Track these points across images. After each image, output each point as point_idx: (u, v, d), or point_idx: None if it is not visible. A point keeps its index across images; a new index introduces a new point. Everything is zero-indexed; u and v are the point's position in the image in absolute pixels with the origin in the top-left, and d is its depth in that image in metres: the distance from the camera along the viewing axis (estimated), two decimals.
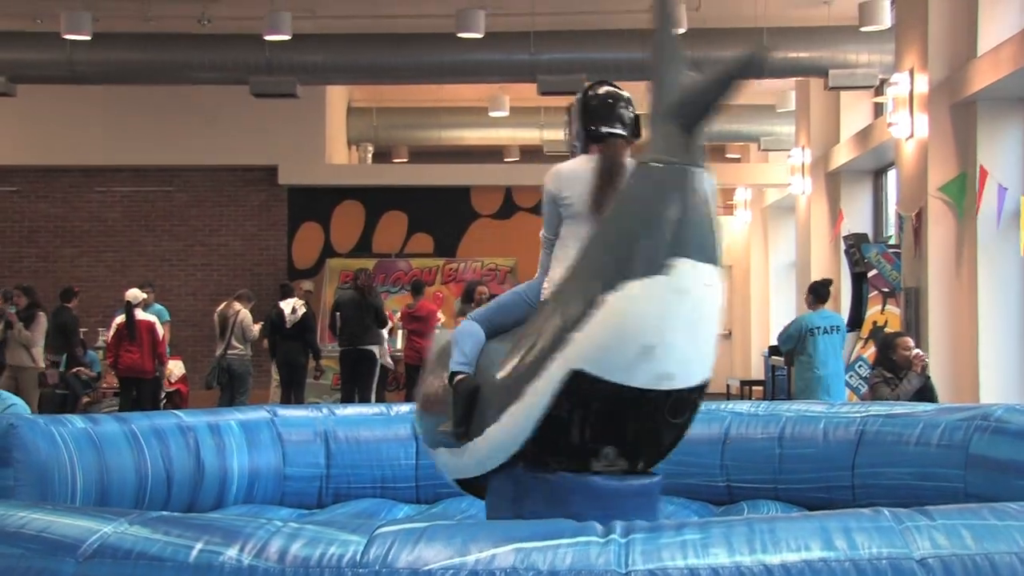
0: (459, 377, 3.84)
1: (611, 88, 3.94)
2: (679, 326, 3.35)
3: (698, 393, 3.55)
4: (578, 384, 3.42)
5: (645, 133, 3.66)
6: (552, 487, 3.60)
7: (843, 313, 12.45)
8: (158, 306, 12.53)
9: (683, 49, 3.59)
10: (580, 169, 3.78)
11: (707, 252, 3.37)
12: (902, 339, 7.50)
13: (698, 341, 3.42)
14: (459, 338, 3.95)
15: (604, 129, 3.83)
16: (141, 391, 11.52)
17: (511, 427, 3.62)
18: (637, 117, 3.89)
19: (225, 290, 12.99)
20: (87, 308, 13.88)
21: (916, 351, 7.41)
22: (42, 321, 11.27)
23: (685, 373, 3.42)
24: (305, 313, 11.85)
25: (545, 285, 3.84)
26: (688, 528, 2.58)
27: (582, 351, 3.39)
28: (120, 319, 11.47)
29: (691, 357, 3.42)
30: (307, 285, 13.45)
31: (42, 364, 11.25)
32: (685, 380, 3.43)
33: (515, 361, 3.66)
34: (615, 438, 3.56)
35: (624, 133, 3.84)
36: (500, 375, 3.72)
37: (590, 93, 3.91)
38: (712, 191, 3.42)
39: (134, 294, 11.55)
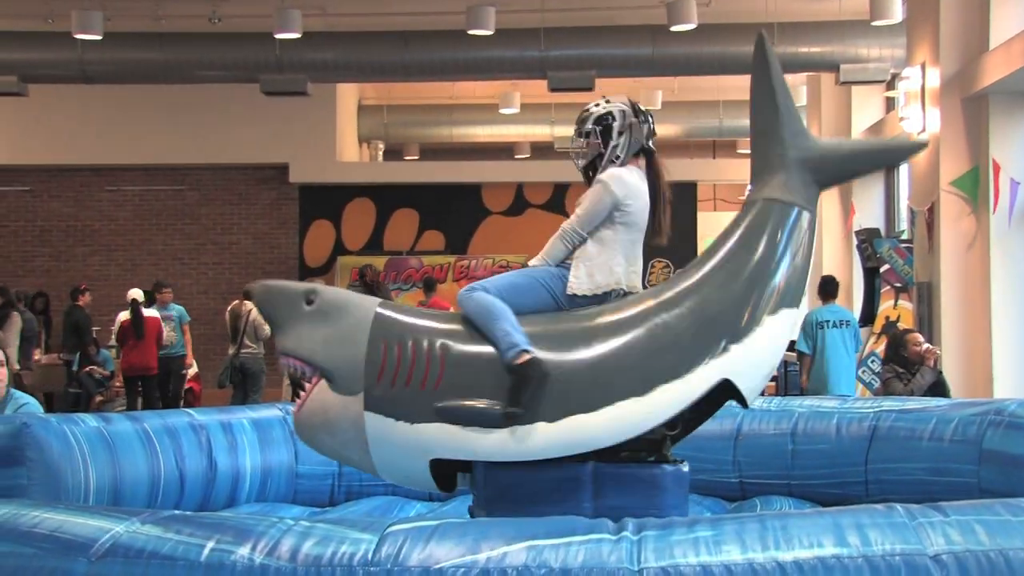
0: (527, 357, 3.66)
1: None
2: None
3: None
4: (718, 391, 3.75)
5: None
6: (645, 479, 3.75)
7: (856, 308, 12.43)
8: (178, 307, 12.49)
9: (789, 94, 4.04)
10: (638, 181, 4.04)
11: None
12: (911, 335, 7.53)
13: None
14: (495, 312, 3.77)
15: (651, 144, 4.13)
16: (147, 387, 11.66)
17: (619, 421, 3.67)
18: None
19: (236, 289, 12.98)
20: (99, 307, 13.90)
21: (927, 345, 7.40)
22: (16, 321, 11.18)
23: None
24: None
25: (573, 280, 3.91)
26: (700, 525, 2.57)
27: (737, 363, 3.71)
28: (124, 317, 11.55)
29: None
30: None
31: (16, 365, 11.11)
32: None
33: (623, 356, 3.73)
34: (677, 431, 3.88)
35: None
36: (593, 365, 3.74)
37: (639, 107, 4.13)
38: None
39: (139, 293, 11.78)
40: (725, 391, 3.77)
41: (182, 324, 12.13)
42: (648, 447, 3.80)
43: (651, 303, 3.85)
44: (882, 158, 3.99)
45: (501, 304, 3.81)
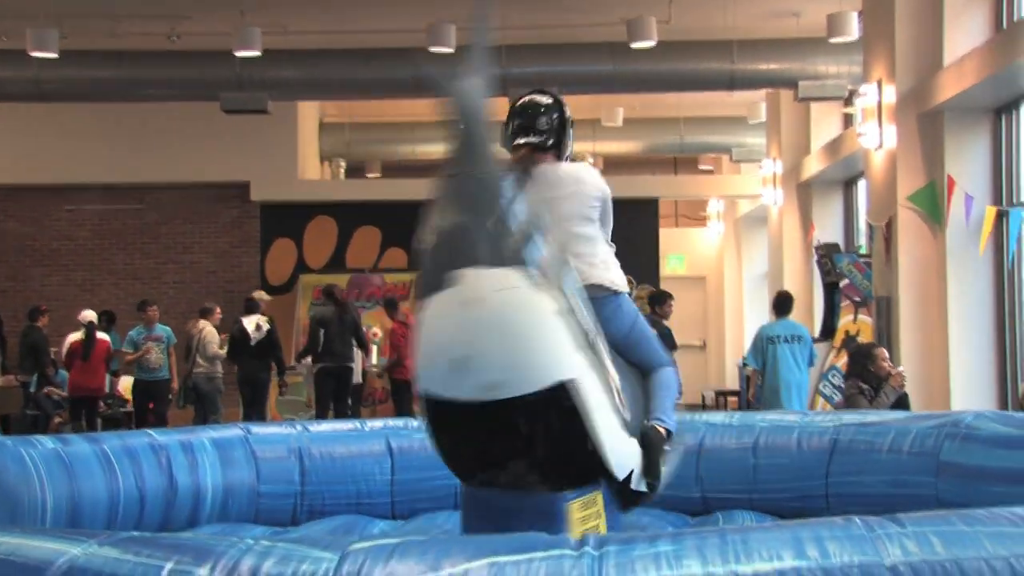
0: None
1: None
2: (485, 335, 3.22)
3: (550, 397, 3.31)
4: (427, 405, 3.42)
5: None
6: (473, 503, 3.66)
7: (816, 322, 12.54)
8: (166, 328, 12.21)
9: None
10: None
11: (501, 256, 3.24)
12: (879, 350, 7.39)
13: (519, 347, 3.25)
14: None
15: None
16: (91, 409, 11.70)
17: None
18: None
19: (198, 308, 12.89)
20: (57, 327, 13.76)
21: (899, 369, 7.36)
22: None
23: (518, 380, 3.26)
24: (270, 330, 11.64)
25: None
26: (661, 540, 2.58)
27: (420, 371, 3.38)
28: (74, 338, 11.50)
29: (518, 363, 3.25)
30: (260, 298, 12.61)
31: None
32: (520, 387, 3.27)
33: None
34: (496, 453, 3.48)
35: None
36: None
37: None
38: (509, 194, 3.33)
39: (93, 315, 11.87)
40: None
41: (169, 347, 11.87)
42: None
43: None
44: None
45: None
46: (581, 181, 3.92)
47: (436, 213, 3.35)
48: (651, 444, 3.77)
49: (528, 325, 3.26)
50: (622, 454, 3.64)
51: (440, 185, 3.38)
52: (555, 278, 3.38)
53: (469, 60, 3.48)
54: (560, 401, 3.33)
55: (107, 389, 12.54)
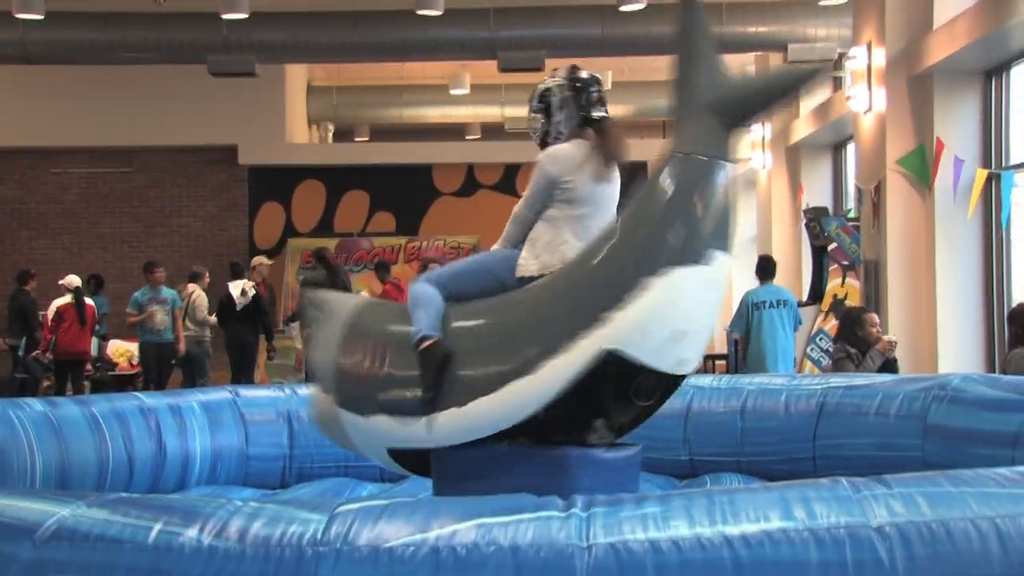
0: (428, 342, 3.71)
1: (591, 73, 4.05)
2: (707, 315, 3.61)
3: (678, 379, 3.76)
4: (607, 363, 3.52)
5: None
6: (551, 460, 3.66)
7: (804, 286, 12.56)
8: (170, 290, 11.93)
9: (713, 41, 3.75)
10: (579, 155, 3.88)
11: (730, 246, 3.64)
12: (869, 315, 7.31)
13: (711, 330, 3.72)
14: (419, 300, 3.83)
15: (596, 114, 3.96)
16: (76, 372, 11.68)
17: (513, 400, 3.61)
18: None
19: (187, 272, 12.85)
20: (45, 291, 13.68)
21: (889, 338, 7.31)
22: None
23: (695, 360, 3.68)
24: (256, 295, 11.57)
25: (521, 262, 3.87)
26: (648, 501, 2.59)
27: (620, 331, 3.50)
28: (61, 302, 11.45)
29: (704, 345, 3.68)
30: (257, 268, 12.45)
31: None
32: (693, 366, 3.69)
33: (510, 334, 3.68)
34: (609, 412, 3.72)
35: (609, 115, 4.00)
36: (489, 345, 3.70)
37: (578, 76, 3.99)
38: (736, 185, 3.69)
39: (76, 280, 11.74)
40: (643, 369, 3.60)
41: (175, 309, 11.67)
42: (575, 430, 3.71)
43: (548, 280, 3.79)
44: (780, 89, 3.70)
45: (430, 292, 3.85)
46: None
47: (669, 189, 3.62)
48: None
49: (716, 315, 3.74)
50: None
51: (673, 162, 3.66)
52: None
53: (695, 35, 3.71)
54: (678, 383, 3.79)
55: (94, 352, 12.52)
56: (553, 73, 4.07)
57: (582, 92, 3.96)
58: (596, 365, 3.50)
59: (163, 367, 11.66)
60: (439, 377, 3.68)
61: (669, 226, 3.54)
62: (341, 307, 4.17)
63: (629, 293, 3.49)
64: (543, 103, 3.99)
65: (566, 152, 3.90)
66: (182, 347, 11.65)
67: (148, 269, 11.94)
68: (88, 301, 11.73)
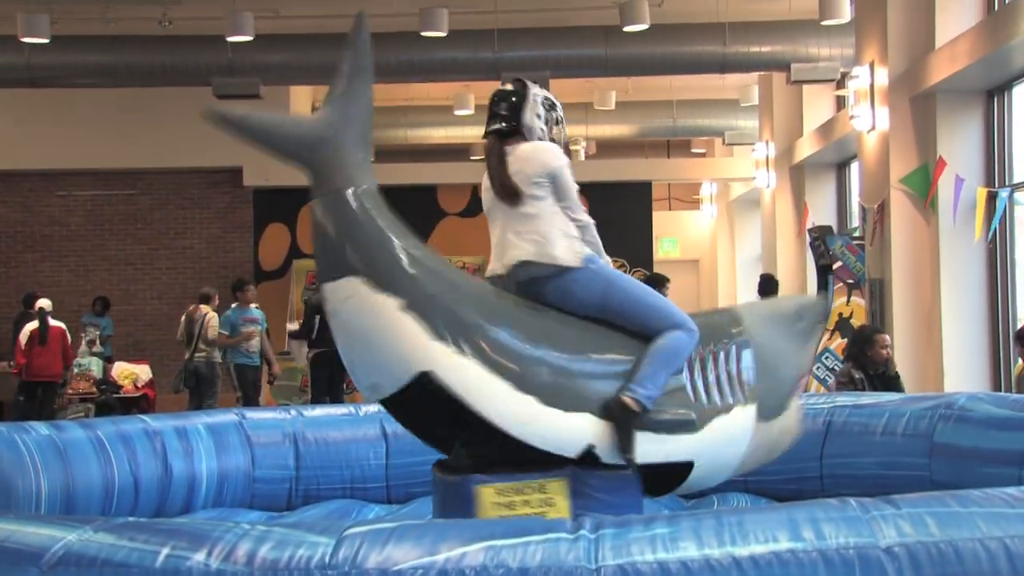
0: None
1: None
2: (349, 345, 3.62)
3: (417, 389, 3.52)
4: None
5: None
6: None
7: None
8: (259, 311, 11.64)
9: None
10: None
11: (339, 267, 3.57)
12: (881, 336, 7.10)
13: (372, 351, 3.54)
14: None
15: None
16: (46, 393, 11.72)
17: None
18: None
19: (191, 293, 12.86)
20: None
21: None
22: None
23: (385, 380, 3.56)
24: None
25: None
26: (657, 522, 2.59)
27: None
28: (33, 326, 11.54)
29: (377, 365, 3.56)
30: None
31: None
32: (389, 386, 3.56)
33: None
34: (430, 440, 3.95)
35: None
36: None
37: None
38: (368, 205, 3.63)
39: (46, 302, 11.91)
40: None
41: (262, 331, 11.32)
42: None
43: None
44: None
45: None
46: (526, 160, 3.86)
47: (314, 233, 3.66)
48: (614, 418, 3.58)
49: (372, 330, 3.50)
50: (547, 433, 3.54)
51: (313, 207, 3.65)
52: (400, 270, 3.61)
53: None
54: (427, 389, 3.49)
55: (98, 375, 12.56)
56: (512, 81, 4.03)
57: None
58: None
59: (257, 390, 11.40)
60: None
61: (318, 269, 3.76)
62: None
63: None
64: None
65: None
66: (276, 368, 11.41)
67: (239, 287, 11.45)
68: (54, 323, 11.79)
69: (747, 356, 3.87)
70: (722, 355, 3.84)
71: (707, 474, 3.83)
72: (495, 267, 3.88)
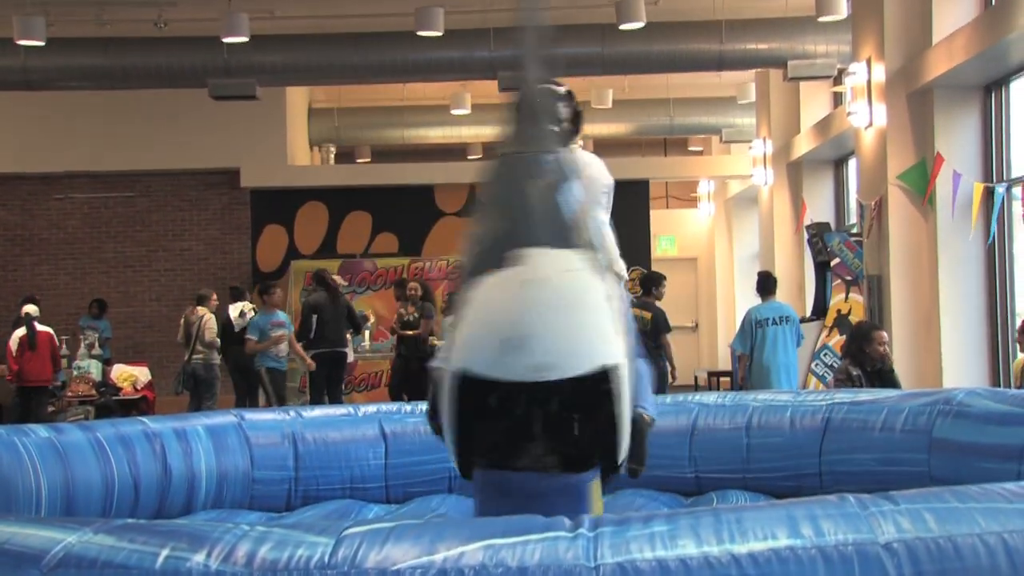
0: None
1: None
2: (545, 316, 3.21)
3: (592, 382, 3.30)
4: (467, 384, 3.29)
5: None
6: (489, 484, 3.55)
7: (807, 302, 12.56)
8: (284, 314, 11.35)
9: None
10: None
11: (561, 238, 3.28)
12: (879, 333, 7.02)
13: (574, 330, 3.25)
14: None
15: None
16: (39, 399, 11.74)
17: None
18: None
19: (189, 295, 12.87)
20: (48, 317, 13.71)
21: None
22: None
23: (569, 362, 3.24)
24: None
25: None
26: (656, 520, 2.58)
27: (460, 351, 3.28)
28: (21, 332, 11.56)
29: (571, 346, 3.24)
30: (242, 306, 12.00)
31: None
32: (570, 369, 3.25)
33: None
34: (529, 434, 3.43)
35: None
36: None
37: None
38: (567, 174, 3.36)
39: (32, 308, 11.90)
40: None
41: (290, 334, 10.98)
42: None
43: None
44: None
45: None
46: (592, 167, 3.92)
47: (491, 193, 3.37)
48: (639, 431, 3.80)
49: (586, 308, 3.26)
50: (626, 441, 3.66)
51: (495, 165, 3.39)
52: (603, 263, 3.40)
53: (524, 44, 3.54)
54: (599, 386, 3.31)
55: (97, 377, 12.56)
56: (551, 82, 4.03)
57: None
58: (460, 388, 3.31)
59: (286, 393, 11.13)
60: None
61: (483, 234, 3.36)
62: None
63: (463, 312, 3.31)
64: (575, 109, 4.00)
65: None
66: (310, 362, 11.06)
67: (266, 290, 11.00)
68: (41, 327, 11.78)
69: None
70: None
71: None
72: None
